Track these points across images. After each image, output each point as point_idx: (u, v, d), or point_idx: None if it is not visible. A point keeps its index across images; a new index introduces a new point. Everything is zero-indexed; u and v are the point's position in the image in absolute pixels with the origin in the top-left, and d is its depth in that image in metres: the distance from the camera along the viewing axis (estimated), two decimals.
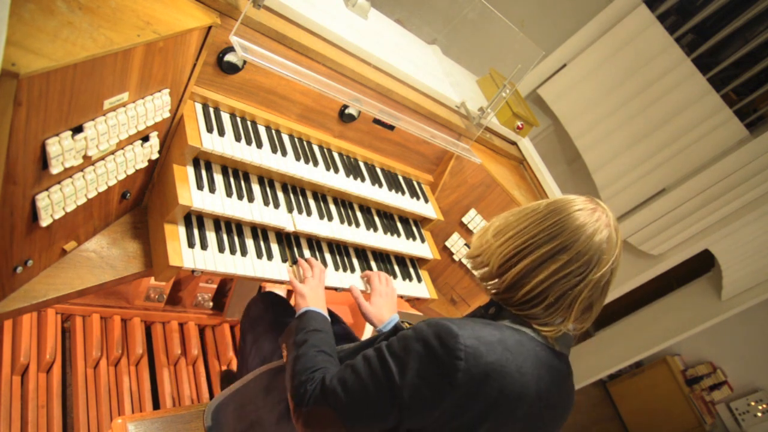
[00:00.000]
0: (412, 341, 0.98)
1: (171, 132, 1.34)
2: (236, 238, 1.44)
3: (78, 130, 0.97)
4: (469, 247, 2.07)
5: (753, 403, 4.59)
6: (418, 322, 1.07)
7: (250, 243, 1.46)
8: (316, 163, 1.60)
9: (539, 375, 0.98)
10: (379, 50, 1.65)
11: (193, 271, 1.30)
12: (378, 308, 1.53)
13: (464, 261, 2.07)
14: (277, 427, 1.31)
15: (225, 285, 2.45)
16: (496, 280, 1.06)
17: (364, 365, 1.02)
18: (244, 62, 1.37)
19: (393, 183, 1.86)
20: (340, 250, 1.71)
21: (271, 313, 1.61)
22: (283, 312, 1.63)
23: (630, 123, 3.25)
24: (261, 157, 1.45)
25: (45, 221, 1.02)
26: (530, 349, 0.99)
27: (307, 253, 1.60)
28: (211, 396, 2.29)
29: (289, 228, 1.50)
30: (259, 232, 1.51)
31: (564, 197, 1.06)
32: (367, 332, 2.60)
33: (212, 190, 1.37)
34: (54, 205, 1.02)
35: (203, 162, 1.41)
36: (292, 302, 1.95)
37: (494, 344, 0.95)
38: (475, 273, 1.15)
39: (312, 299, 1.37)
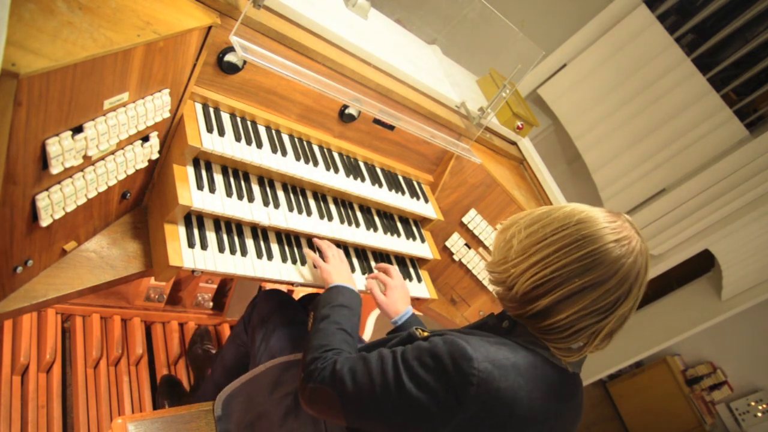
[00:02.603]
0: (426, 356, 0.97)
1: (171, 132, 1.34)
2: (236, 238, 1.44)
3: (78, 130, 0.97)
4: (469, 247, 2.07)
5: (753, 403, 4.59)
6: (433, 335, 1.06)
7: (250, 243, 1.46)
8: (316, 163, 1.60)
9: (549, 399, 0.98)
10: (379, 50, 1.65)
11: (193, 271, 1.30)
12: (393, 301, 1.56)
13: (475, 272, 2.07)
14: (283, 422, 1.31)
15: (225, 285, 2.45)
16: (518, 304, 1.01)
17: (377, 364, 1.02)
18: (244, 62, 1.37)
19: (393, 183, 1.86)
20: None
21: (280, 312, 1.62)
22: (292, 311, 1.64)
23: (630, 123, 3.25)
24: (261, 157, 1.45)
25: (45, 221, 1.02)
26: (543, 372, 0.98)
27: None
28: None
29: (288, 227, 1.50)
30: (259, 232, 1.51)
31: (593, 216, 0.98)
32: (368, 332, 2.61)
33: (212, 190, 1.37)
34: (54, 205, 1.02)
35: (203, 162, 1.41)
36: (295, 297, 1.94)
37: (508, 369, 0.94)
38: (493, 289, 1.09)
39: (338, 275, 1.40)
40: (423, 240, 1.93)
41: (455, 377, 0.92)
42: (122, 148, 1.17)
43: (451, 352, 0.94)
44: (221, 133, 1.38)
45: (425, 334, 1.12)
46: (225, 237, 1.41)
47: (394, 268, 1.68)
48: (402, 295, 1.59)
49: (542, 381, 0.98)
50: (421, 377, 0.95)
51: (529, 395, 0.95)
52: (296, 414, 1.30)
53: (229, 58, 1.33)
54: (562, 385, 1.02)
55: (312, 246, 1.59)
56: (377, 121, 1.74)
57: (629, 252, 0.94)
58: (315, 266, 1.50)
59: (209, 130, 1.36)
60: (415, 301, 1.96)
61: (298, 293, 2.53)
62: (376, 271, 1.68)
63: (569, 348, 0.99)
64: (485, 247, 2.03)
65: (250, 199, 1.45)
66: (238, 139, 1.42)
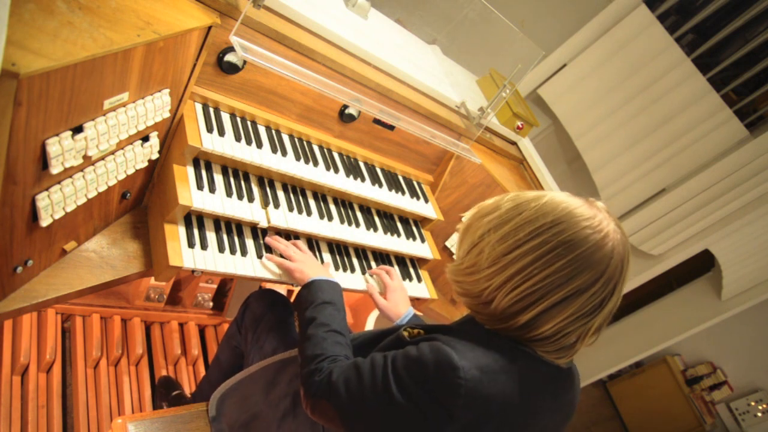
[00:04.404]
0: (413, 364, 0.94)
1: (171, 132, 1.34)
2: (236, 238, 1.44)
3: (78, 130, 0.97)
4: None
5: (753, 403, 4.59)
6: (423, 338, 1.02)
7: (250, 243, 1.46)
8: (316, 163, 1.60)
9: (543, 397, 0.97)
10: (379, 50, 1.65)
11: (193, 271, 1.30)
12: (394, 304, 1.55)
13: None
14: (281, 423, 1.30)
15: (225, 285, 2.45)
16: (498, 320, 0.96)
17: (368, 372, 1.00)
18: (244, 62, 1.37)
19: (393, 183, 1.86)
20: (340, 250, 1.71)
21: (272, 312, 1.61)
22: (284, 311, 1.63)
23: (630, 123, 3.25)
24: (261, 157, 1.45)
25: (45, 221, 1.02)
26: (535, 371, 0.96)
27: None
28: None
29: (288, 227, 1.50)
30: (259, 232, 1.51)
31: (568, 213, 0.91)
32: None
33: (212, 190, 1.37)
34: (54, 205, 1.02)
35: (203, 162, 1.41)
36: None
37: (497, 373, 0.91)
38: (464, 301, 1.01)
39: (310, 269, 1.37)
40: (423, 240, 1.93)
41: (442, 388, 0.89)
42: (122, 148, 1.17)
43: (437, 361, 0.90)
44: (221, 133, 1.38)
45: (415, 333, 1.09)
46: (225, 237, 1.41)
47: (394, 271, 1.67)
48: (402, 297, 1.58)
49: (534, 380, 0.96)
50: (409, 387, 0.93)
51: (522, 397, 0.93)
52: (294, 415, 1.30)
53: (229, 58, 1.33)
54: (556, 382, 1.00)
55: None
56: (377, 121, 1.74)
57: (611, 250, 0.89)
58: (281, 269, 1.44)
59: (209, 130, 1.36)
60: (415, 301, 1.96)
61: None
62: (374, 276, 1.66)
63: (559, 349, 0.96)
64: None
65: (250, 199, 1.45)
66: (238, 139, 1.42)
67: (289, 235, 1.59)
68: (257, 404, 1.36)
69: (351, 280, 1.66)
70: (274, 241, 1.47)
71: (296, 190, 1.61)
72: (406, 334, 1.09)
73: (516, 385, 0.93)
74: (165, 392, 2.03)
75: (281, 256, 1.46)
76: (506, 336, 0.97)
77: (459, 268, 1.00)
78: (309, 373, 1.09)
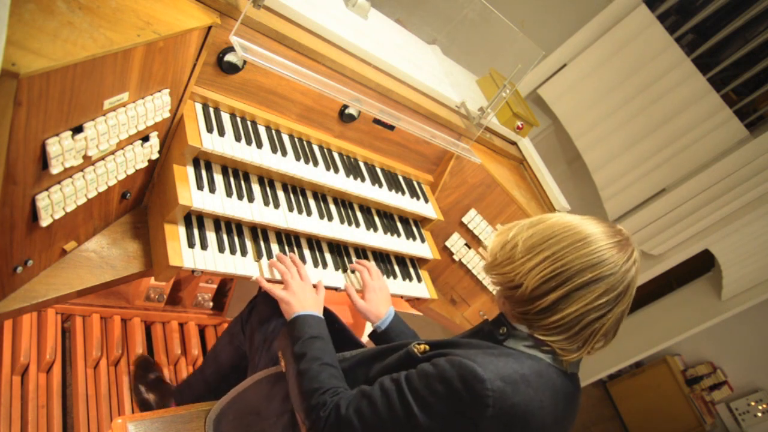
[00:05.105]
0: (435, 381, 0.95)
1: (171, 132, 1.34)
2: (236, 238, 1.44)
3: (78, 130, 0.97)
4: (469, 247, 2.06)
5: (753, 403, 4.58)
6: (434, 353, 1.04)
7: (249, 243, 1.46)
8: (316, 163, 1.60)
9: (556, 403, 1.00)
10: (379, 50, 1.65)
11: (193, 271, 1.30)
12: (374, 304, 1.52)
13: (475, 272, 2.07)
14: None
15: (225, 285, 2.45)
16: (525, 302, 1.02)
17: (381, 398, 1.00)
18: (244, 62, 1.37)
19: (393, 183, 1.86)
20: (340, 250, 1.71)
21: (279, 313, 1.60)
22: None
23: (630, 123, 3.25)
24: (261, 157, 1.45)
25: (45, 221, 1.02)
26: (548, 378, 0.99)
27: (307, 252, 1.60)
28: None
29: (288, 227, 1.50)
30: (259, 232, 1.51)
31: (595, 227, 1.02)
32: (367, 332, 2.60)
33: (212, 190, 1.37)
34: (54, 205, 1.02)
35: (203, 162, 1.41)
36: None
37: (518, 383, 0.94)
38: (498, 290, 1.09)
39: (299, 303, 1.34)
40: (423, 240, 1.93)
41: (470, 402, 0.91)
42: (122, 148, 1.17)
43: (462, 376, 0.93)
44: (221, 133, 1.38)
45: (422, 349, 1.10)
46: (225, 237, 1.41)
47: (375, 268, 1.64)
48: (383, 297, 1.55)
49: (548, 387, 0.99)
50: (432, 406, 0.94)
51: (540, 404, 0.96)
52: (294, 430, 1.28)
53: (229, 58, 1.33)
54: (564, 387, 1.03)
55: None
56: (377, 121, 1.74)
57: (628, 253, 1.00)
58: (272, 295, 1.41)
59: (209, 130, 1.36)
60: (416, 301, 1.96)
61: None
62: (354, 276, 1.63)
63: (568, 350, 1.01)
64: (485, 247, 2.03)
65: (250, 199, 1.45)
66: (238, 139, 1.42)
67: (290, 239, 1.59)
68: (256, 423, 1.33)
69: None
70: (277, 261, 1.46)
71: (296, 190, 1.61)
72: (416, 350, 1.09)
73: (534, 393, 0.96)
74: (142, 374, 1.98)
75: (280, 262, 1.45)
76: (523, 333, 1.03)
77: (494, 263, 1.08)
78: (311, 409, 1.08)
